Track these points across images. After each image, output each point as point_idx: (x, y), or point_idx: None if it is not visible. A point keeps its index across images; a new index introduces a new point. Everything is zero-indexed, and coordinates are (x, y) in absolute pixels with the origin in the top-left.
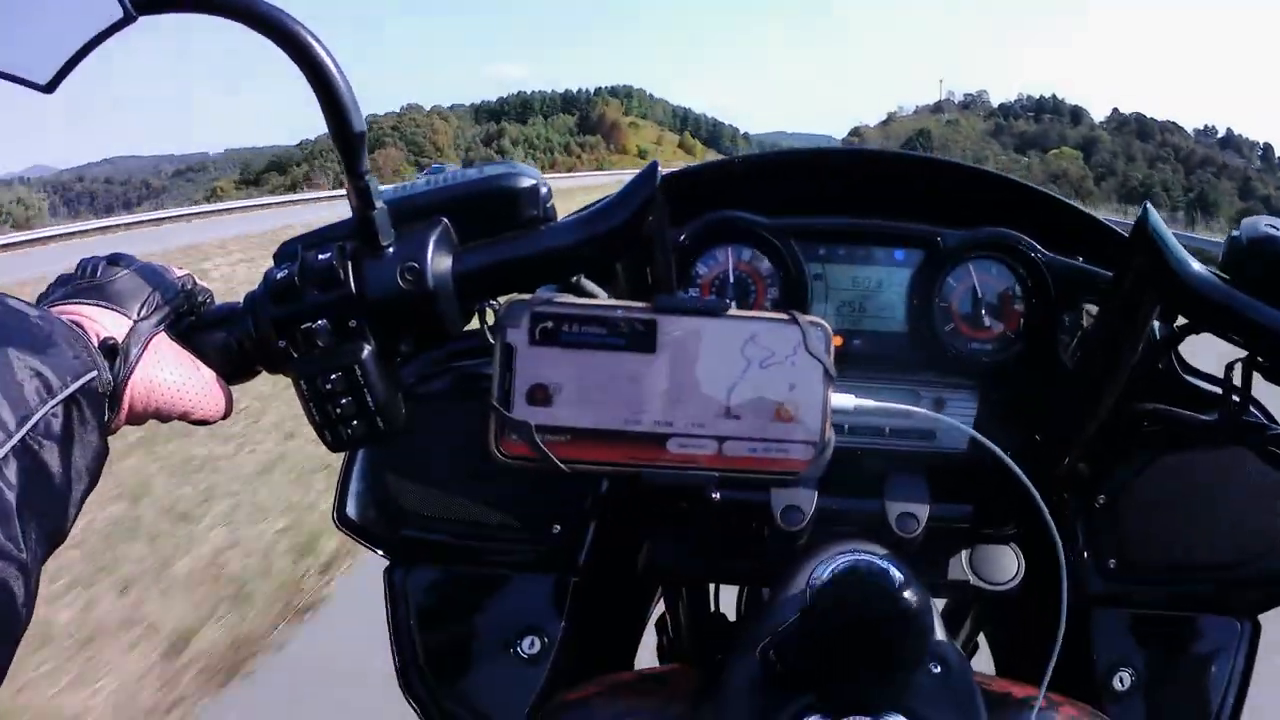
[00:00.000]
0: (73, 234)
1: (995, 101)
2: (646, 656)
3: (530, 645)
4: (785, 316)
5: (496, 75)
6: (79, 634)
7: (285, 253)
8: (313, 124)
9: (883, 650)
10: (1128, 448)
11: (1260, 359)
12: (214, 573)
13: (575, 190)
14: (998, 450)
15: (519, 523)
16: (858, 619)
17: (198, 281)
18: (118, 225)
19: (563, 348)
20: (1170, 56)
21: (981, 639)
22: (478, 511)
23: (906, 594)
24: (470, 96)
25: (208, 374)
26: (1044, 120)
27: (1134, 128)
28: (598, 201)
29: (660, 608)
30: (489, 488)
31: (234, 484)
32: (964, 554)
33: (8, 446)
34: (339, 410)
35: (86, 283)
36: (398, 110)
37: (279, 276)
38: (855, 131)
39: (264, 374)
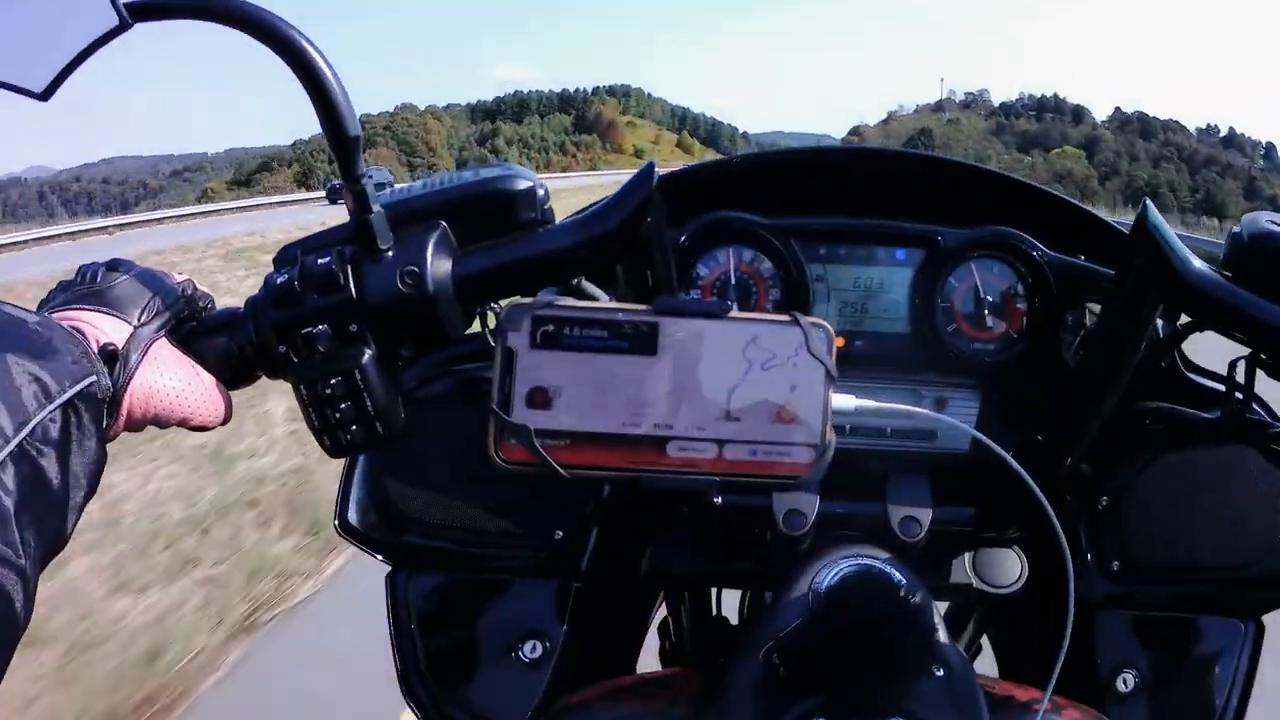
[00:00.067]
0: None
1: (996, 100)
2: (648, 661)
3: (532, 650)
4: (787, 318)
5: (502, 76)
6: None
7: (285, 257)
8: (309, 124)
9: (886, 654)
10: (1130, 447)
11: (1263, 356)
12: None
13: (563, 191)
14: (1001, 451)
15: (521, 528)
16: (861, 623)
17: (198, 286)
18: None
19: (563, 351)
20: (1169, 54)
21: (985, 642)
22: (479, 517)
23: (909, 598)
24: (474, 97)
25: (207, 380)
26: (1045, 119)
27: (1136, 127)
28: (596, 203)
29: (662, 612)
30: (490, 493)
31: None
32: (967, 557)
33: (5, 451)
34: (339, 415)
35: (86, 288)
36: (391, 110)
37: (279, 281)
38: (855, 130)
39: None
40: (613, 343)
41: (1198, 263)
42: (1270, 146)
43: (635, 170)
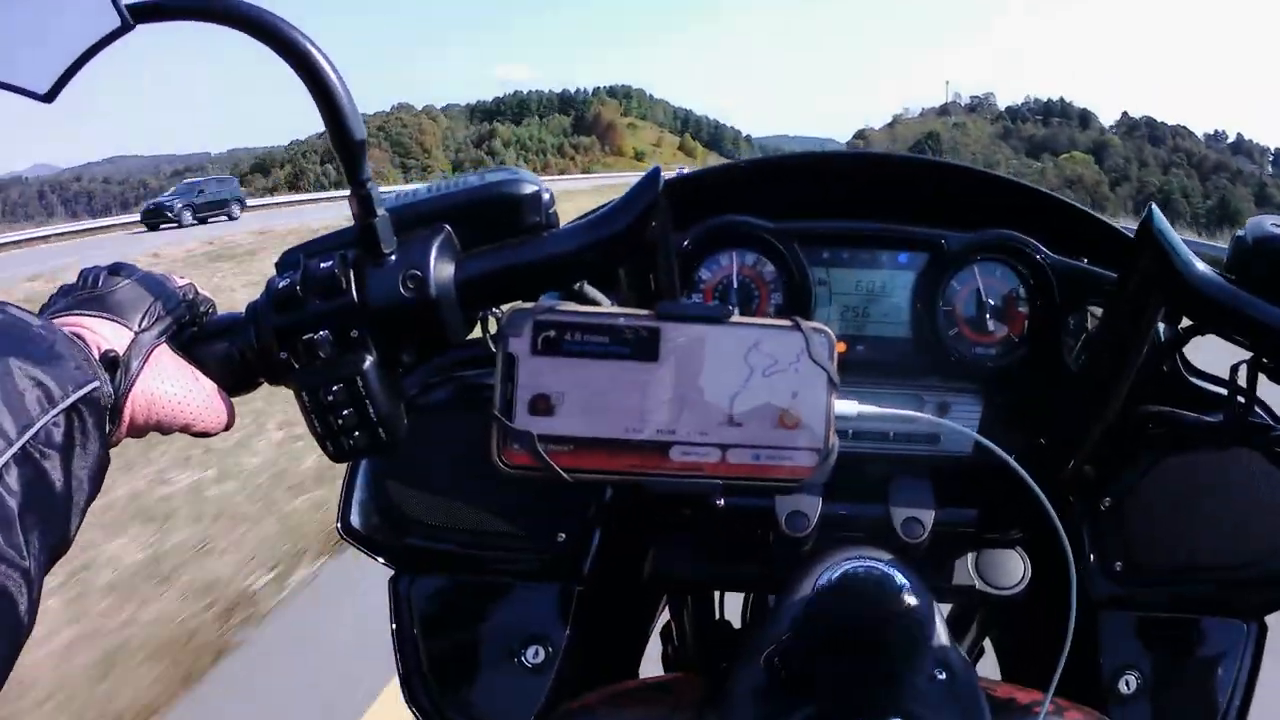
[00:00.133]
0: None
1: (1002, 104)
2: (651, 665)
3: (535, 654)
4: (788, 323)
5: (502, 76)
6: None
7: (287, 261)
8: (308, 124)
9: (888, 657)
10: (1133, 450)
11: (1265, 359)
12: None
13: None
14: (1004, 455)
15: (523, 532)
16: (863, 626)
17: (199, 291)
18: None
19: (565, 357)
20: (1173, 59)
21: (987, 643)
22: (482, 520)
23: (911, 601)
24: (475, 98)
25: (209, 386)
26: (1052, 124)
27: (1145, 132)
28: (601, 207)
29: (665, 616)
30: (493, 497)
31: None
32: (970, 558)
33: (9, 454)
34: (340, 421)
35: (87, 293)
36: (387, 110)
37: (281, 285)
38: (860, 134)
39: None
40: (614, 348)
41: (1201, 266)
42: (1279, 153)
43: (616, 173)
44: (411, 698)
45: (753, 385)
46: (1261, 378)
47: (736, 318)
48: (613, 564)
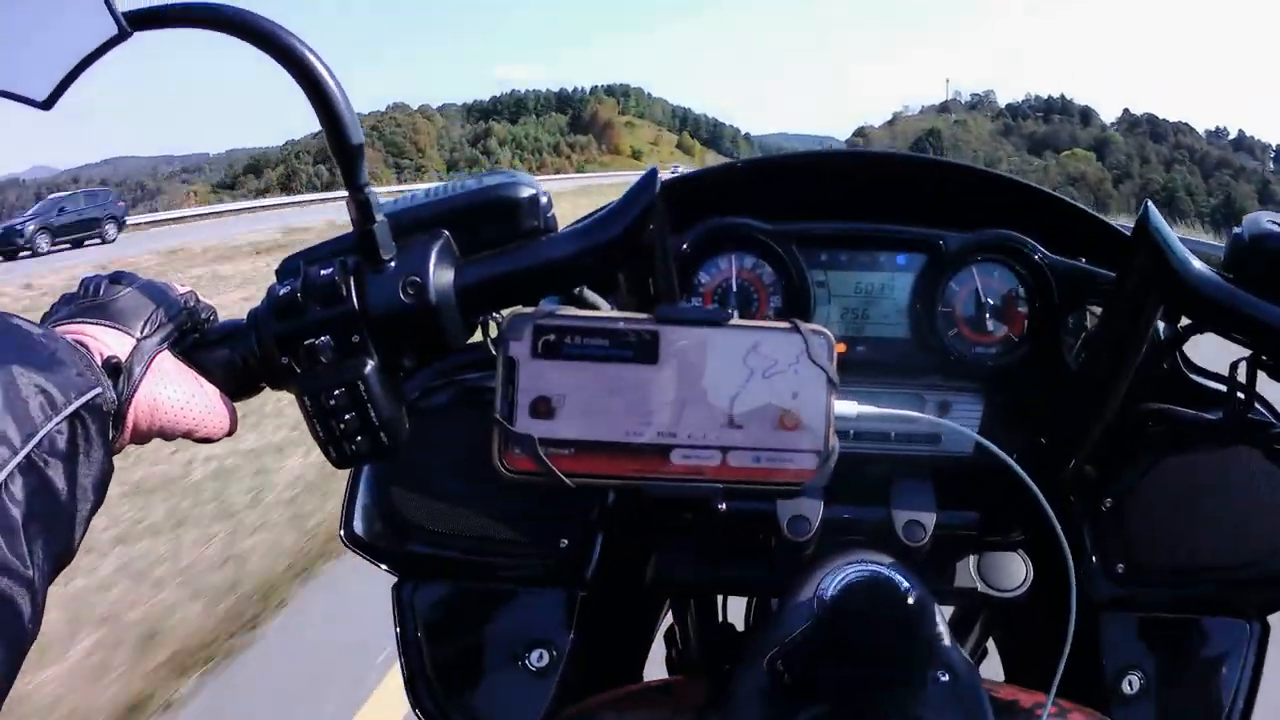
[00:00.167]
0: None
1: (1002, 101)
2: (655, 669)
3: (539, 658)
4: (787, 325)
5: (501, 76)
6: None
7: (287, 268)
8: (303, 124)
9: (891, 660)
10: (1133, 449)
11: (1264, 357)
12: None
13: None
14: (1004, 456)
15: (526, 536)
16: (866, 630)
17: (200, 298)
18: None
19: (565, 360)
20: (1172, 55)
21: (990, 645)
22: (484, 525)
23: (914, 604)
24: (471, 97)
25: (211, 391)
26: (1054, 120)
27: (1146, 129)
28: (598, 210)
29: (668, 619)
30: (495, 502)
31: None
32: (971, 560)
33: (13, 463)
34: (343, 426)
35: (89, 301)
36: (382, 109)
37: (282, 293)
38: (860, 132)
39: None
40: (615, 351)
41: (1198, 264)
42: None
43: (612, 171)
44: (416, 701)
45: (753, 387)
46: (1262, 375)
47: (735, 320)
48: (615, 568)
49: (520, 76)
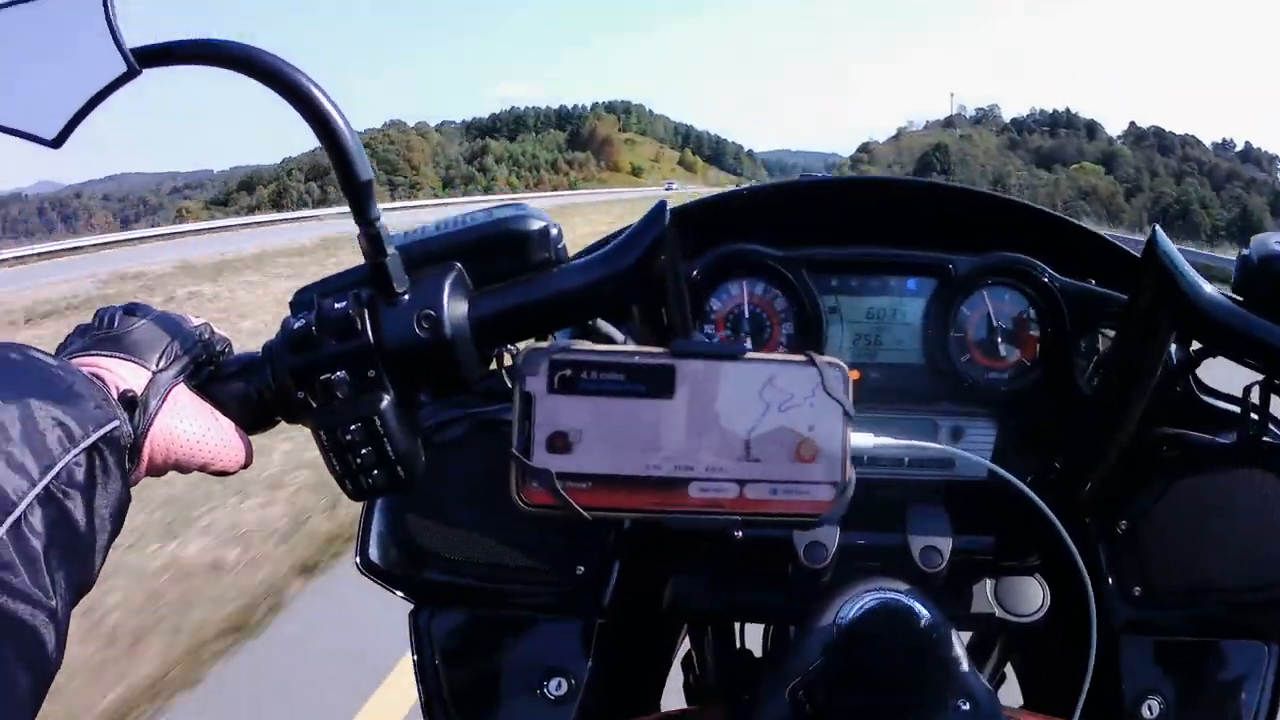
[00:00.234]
0: None
1: (1007, 115)
2: (673, 696)
3: (557, 687)
4: (803, 358)
5: (503, 94)
6: None
7: (301, 301)
8: (301, 141)
9: (911, 689)
10: (1148, 473)
11: (1277, 381)
12: None
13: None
14: (1019, 483)
15: (543, 565)
16: (886, 659)
17: (215, 330)
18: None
19: (582, 395)
20: (1175, 67)
21: (1009, 670)
22: (501, 554)
23: (933, 633)
24: (475, 115)
25: (227, 425)
26: (1059, 134)
27: (1153, 142)
28: (609, 239)
29: (686, 646)
30: (511, 530)
31: None
32: (988, 585)
33: (33, 494)
34: (359, 461)
35: (104, 333)
36: (378, 127)
37: (296, 326)
38: (864, 148)
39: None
40: (631, 386)
41: (1208, 288)
42: None
43: (609, 188)
44: None
45: (769, 420)
46: (1275, 398)
47: (751, 354)
48: (632, 596)
49: (521, 94)
